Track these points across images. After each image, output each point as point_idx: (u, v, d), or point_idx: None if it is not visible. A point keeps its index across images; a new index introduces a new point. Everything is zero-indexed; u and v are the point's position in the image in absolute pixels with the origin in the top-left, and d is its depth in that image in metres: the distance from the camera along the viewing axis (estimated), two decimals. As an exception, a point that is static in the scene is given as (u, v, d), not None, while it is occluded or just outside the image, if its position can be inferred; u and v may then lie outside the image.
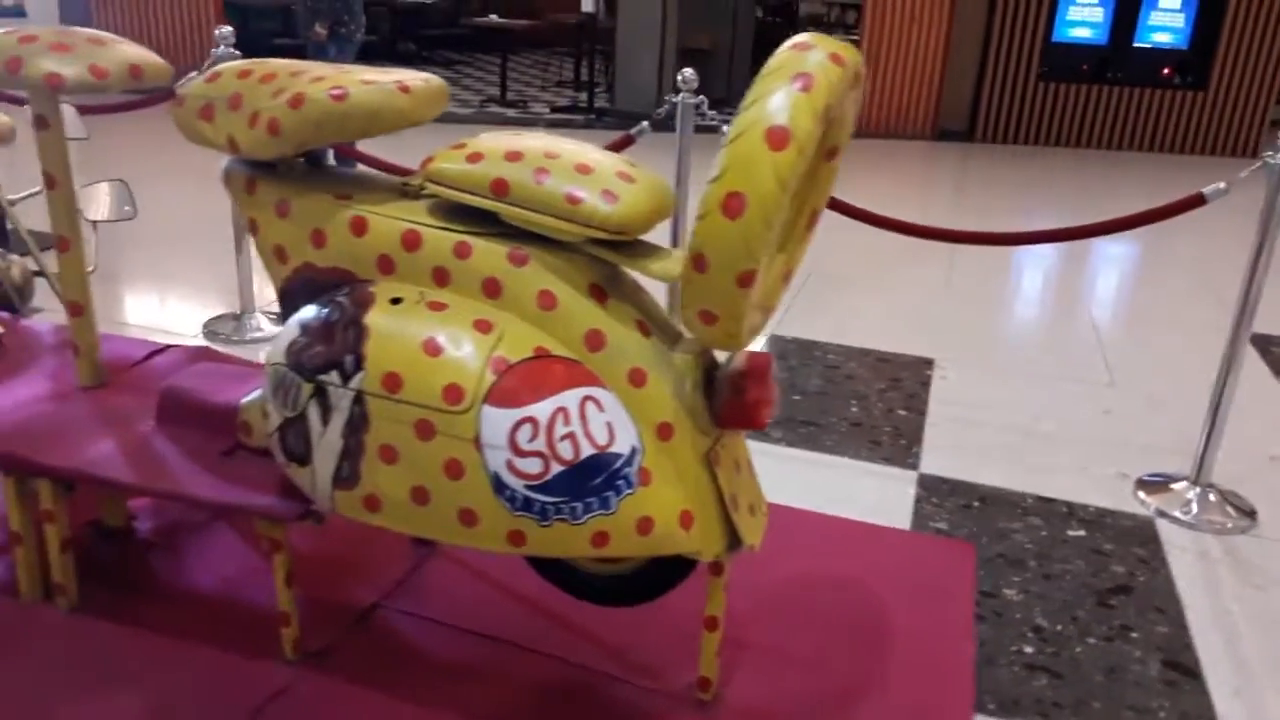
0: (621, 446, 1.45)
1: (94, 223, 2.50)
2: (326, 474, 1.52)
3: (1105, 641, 2.19)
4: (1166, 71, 8.81)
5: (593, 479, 1.43)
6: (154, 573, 2.02)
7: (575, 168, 1.49)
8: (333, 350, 1.48)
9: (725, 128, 3.19)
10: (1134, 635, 2.21)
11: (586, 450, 1.42)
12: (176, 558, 2.07)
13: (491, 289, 1.51)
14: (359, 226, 1.58)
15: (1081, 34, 8.78)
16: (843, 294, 4.56)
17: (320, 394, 1.49)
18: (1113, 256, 5.53)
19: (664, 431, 1.49)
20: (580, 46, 10.83)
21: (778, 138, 1.27)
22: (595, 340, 1.50)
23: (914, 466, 2.94)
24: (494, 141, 1.55)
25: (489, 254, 1.52)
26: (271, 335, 3.68)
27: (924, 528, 2.59)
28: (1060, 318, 4.50)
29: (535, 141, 1.55)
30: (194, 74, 1.85)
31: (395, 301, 1.51)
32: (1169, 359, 3.99)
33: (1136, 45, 8.79)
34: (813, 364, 3.70)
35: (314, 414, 1.50)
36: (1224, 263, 5.49)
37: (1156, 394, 3.60)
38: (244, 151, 1.61)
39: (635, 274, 1.57)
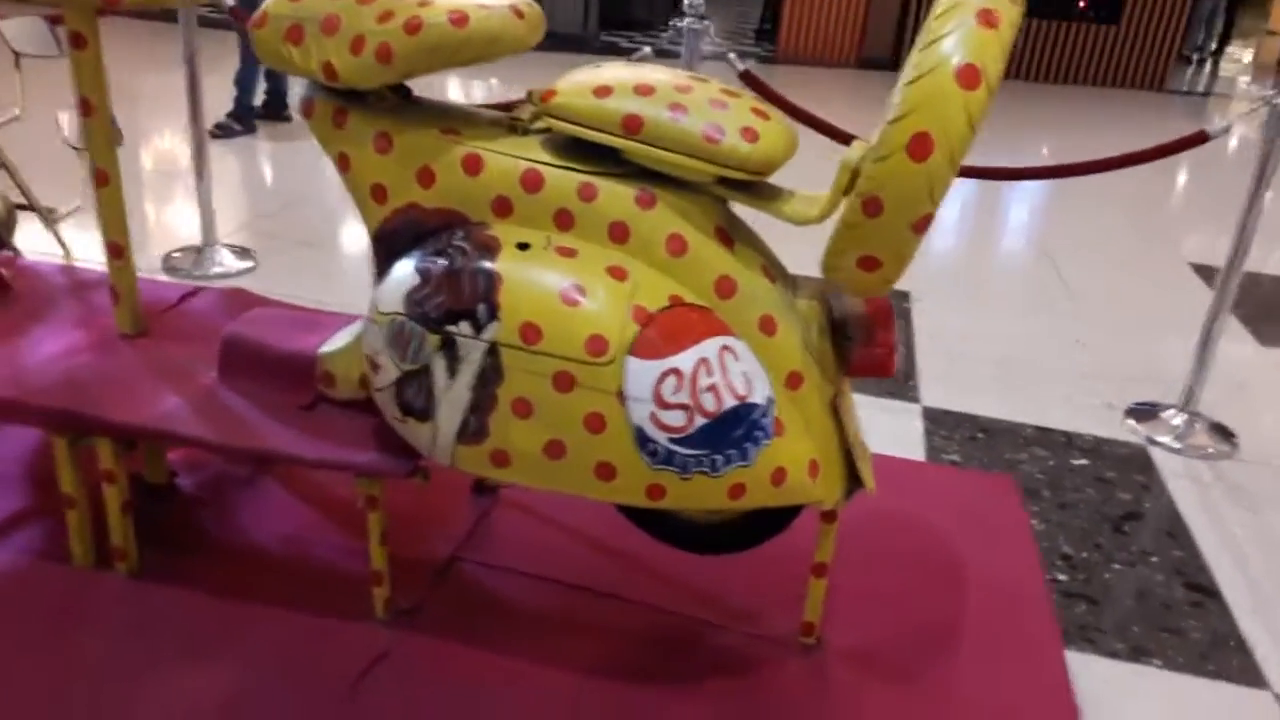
0: (758, 396, 1.42)
1: (79, 150, 2.32)
2: (451, 429, 1.44)
3: (1129, 566, 2.28)
4: (1081, 5, 9.00)
5: (733, 430, 1.40)
6: (207, 531, 1.92)
7: (710, 103, 1.42)
8: (462, 299, 1.40)
9: (732, 56, 3.13)
10: (1153, 559, 2.32)
11: (728, 401, 1.39)
12: (227, 515, 1.96)
13: (618, 233, 1.45)
14: (473, 165, 1.49)
15: (1003, -36, 8.86)
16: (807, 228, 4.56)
17: (448, 345, 1.41)
18: (1047, 189, 5.68)
19: (793, 381, 1.47)
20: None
21: (969, 76, 1.22)
22: (726, 287, 1.46)
23: (916, 400, 2.99)
24: (620, 74, 1.47)
25: (615, 196, 1.45)
26: (236, 270, 3.50)
27: (938, 460, 2.65)
28: (1016, 249, 4.61)
29: (662, 75, 1.48)
30: None
31: (523, 246, 1.43)
32: (1122, 290, 4.14)
33: (1054, -22, 8.95)
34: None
35: (439, 367, 1.42)
36: (1153, 197, 5.70)
37: (1118, 324, 3.74)
38: (342, 79, 1.48)
39: (766, 217, 1.52)
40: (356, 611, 1.75)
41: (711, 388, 1.39)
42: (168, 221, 3.94)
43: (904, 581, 2.00)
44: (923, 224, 1.30)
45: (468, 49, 1.45)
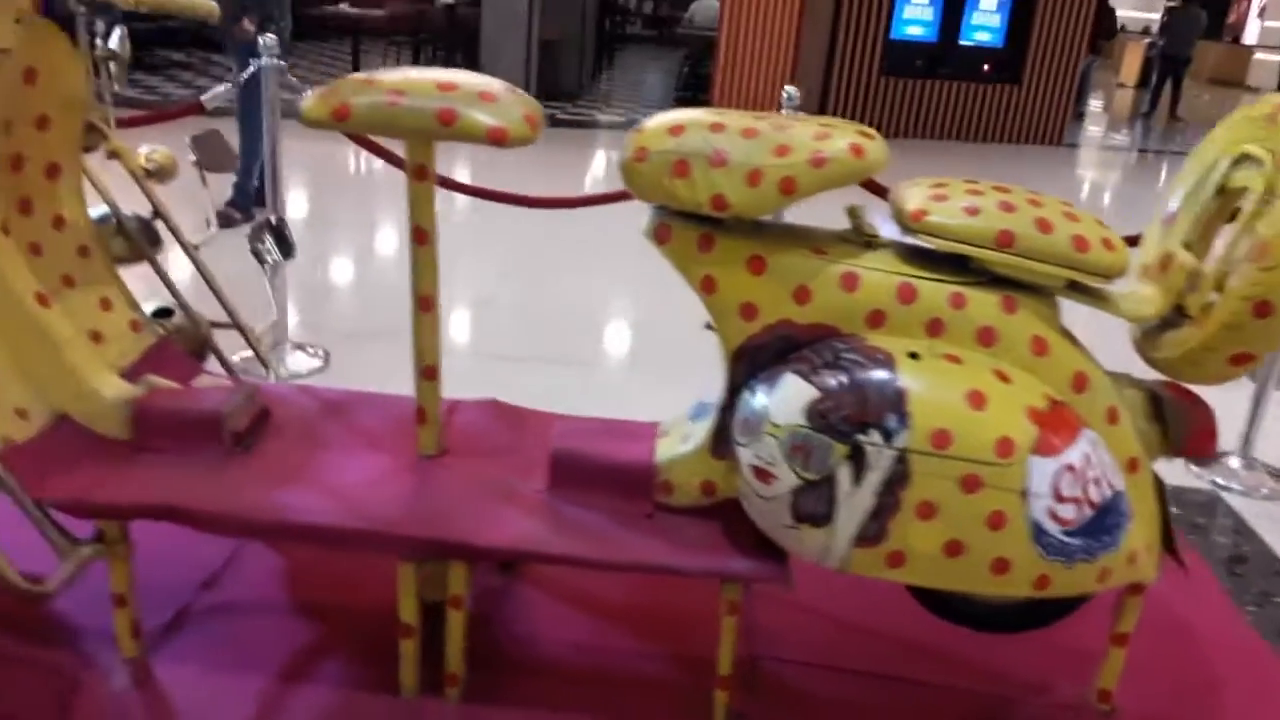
0: (1119, 484, 1.57)
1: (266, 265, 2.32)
2: (848, 534, 1.52)
3: (1258, 608, 2.51)
4: (987, 67, 9.65)
5: (1109, 518, 1.54)
6: (500, 645, 1.92)
7: (1064, 216, 1.60)
8: (870, 410, 1.49)
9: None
10: (1275, 599, 2.56)
11: (1107, 491, 1.53)
12: (509, 626, 1.97)
13: (986, 338, 1.58)
14: (850, 282, 1.61)
15: (915, 32, 9.45)
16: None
17: (856, 454, 1.49)
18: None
19: (1132, 465, 1.63)
20: (417, 36, 10.56)
21: None
22: (1080, 382, 1.60)
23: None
24: (972, 189, 1.64)
25: (983, 303, 1.59)
26: (308, 370, 3.42)
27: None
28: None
29: (1018, 191, 1.65)
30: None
31: (913, 356, 1.54)
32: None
33: (961, 43, 9.57)
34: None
35: (844, 474, 1.50)
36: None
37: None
38: (734, 209, 1.58)
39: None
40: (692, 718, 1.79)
41: (1095, 479, 1.52)
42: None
43: (1141, 641, 2.12)
44: None
45: (857, 175, 1.59)
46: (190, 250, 2.21)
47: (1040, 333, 1.60)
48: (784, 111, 3.16)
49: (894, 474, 1.49)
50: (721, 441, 1.71)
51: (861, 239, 1.69)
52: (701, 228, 1.66)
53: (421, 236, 1.74)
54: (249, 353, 2.34)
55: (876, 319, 1.61)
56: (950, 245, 1.59)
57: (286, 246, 2.34)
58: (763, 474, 1.56)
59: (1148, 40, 16.46)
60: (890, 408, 1.49)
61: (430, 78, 1.66)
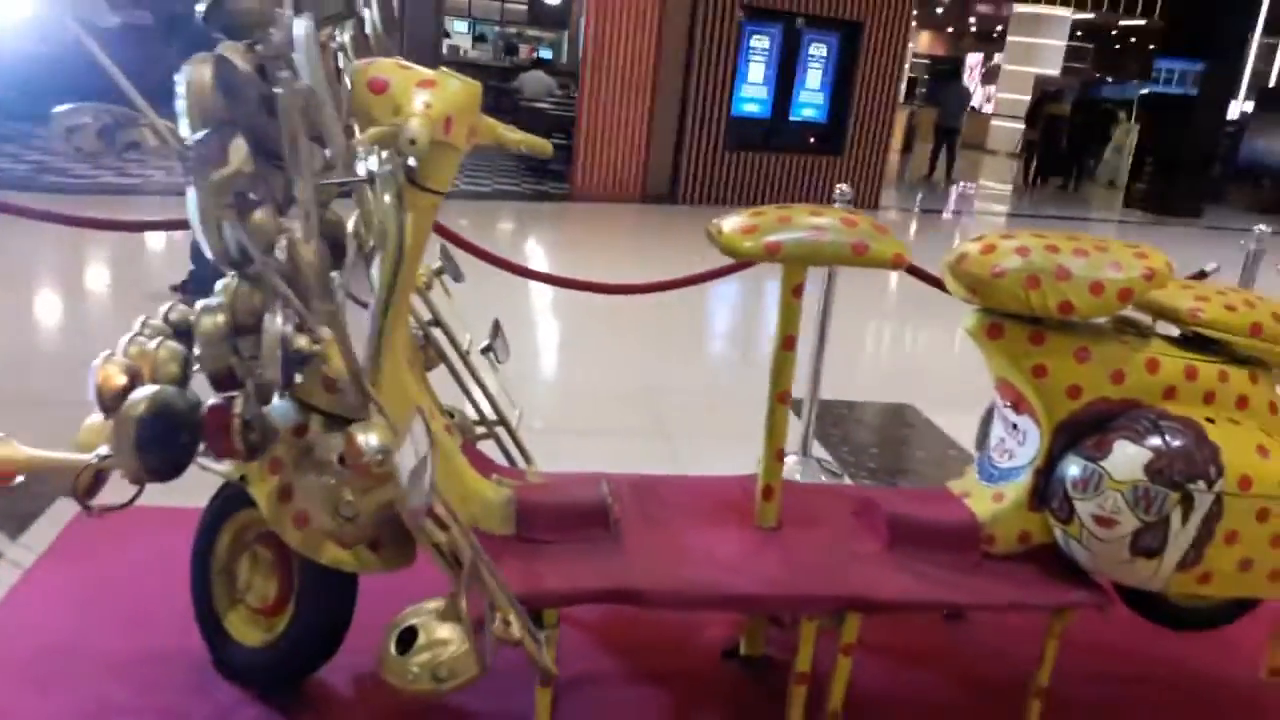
0: None
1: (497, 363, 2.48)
2: (1173, 561, 1.94)
3: None
4: (813, 140, 10.63)
5: None
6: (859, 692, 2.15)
7: (1276, 317, 2.12)
8: (1197, 465, 1.92)
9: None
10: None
11: None
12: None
13: (1242, 404, 2.08)
14: (1153, 365, 2.06)
15: (752, 109, 10.30)
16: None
17: (1186, 500, 1.91)
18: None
19: None
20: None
21: None
22: None
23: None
24: (1220, 292, 2.14)
25: (1239, 377, 2.08)
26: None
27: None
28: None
29: (1240, 290, 2.16)
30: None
31: (1210, 421, 1.99)
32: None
33: (791, 119, 10.52)
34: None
35: (1176, 516, 1.92)
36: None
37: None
38: (1079, 313, 2.00)
39: None
40: None
41: None
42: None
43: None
44: None
45: (1165, 284, 2.07)
46: (464, 356, 2.37)
47: (1273, 398, 2.12)
48: (837, 204, 3.61)
49: (1211, 512, 1.94)
50: (1039, 498, 2.11)
51: (1140, 331, 2.14)
52: (1031, 326, 2.08)
53: (790, 343, 2.06)
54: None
55: (1170, 393, 2.08)
56: (1220, 335, 2.10)
57: (505, 347, 2.52)
58: (1105, 521, 1.97)
59: (910, 109, 18.37)
60: (1210, 462, 1.94)
61: (831, 215, 2.02)
